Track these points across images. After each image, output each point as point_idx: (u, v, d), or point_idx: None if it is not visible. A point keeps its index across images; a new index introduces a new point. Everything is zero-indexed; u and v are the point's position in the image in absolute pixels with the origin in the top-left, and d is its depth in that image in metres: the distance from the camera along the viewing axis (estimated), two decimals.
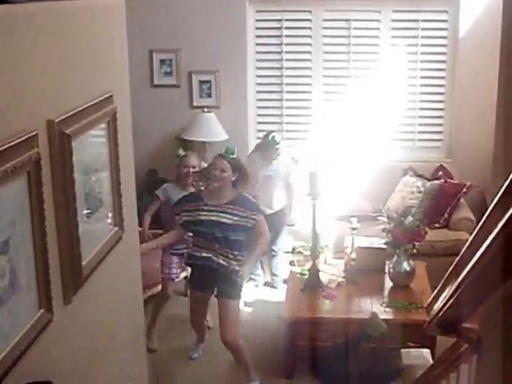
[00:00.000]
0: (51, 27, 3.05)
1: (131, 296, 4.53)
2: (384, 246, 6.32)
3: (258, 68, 8.67)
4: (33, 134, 2.73)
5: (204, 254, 5.66)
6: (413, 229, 6.11)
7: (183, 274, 6.76)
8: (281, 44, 8.54)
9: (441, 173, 8.12)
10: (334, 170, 7.84)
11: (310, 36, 8.50)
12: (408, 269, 6.19)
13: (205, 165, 7.49)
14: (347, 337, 5.55)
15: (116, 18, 4.13)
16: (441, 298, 2.27)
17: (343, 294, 6.23)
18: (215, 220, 5.64)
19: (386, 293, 6.23)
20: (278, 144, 7.31)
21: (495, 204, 1.57)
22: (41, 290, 2.89)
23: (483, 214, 6.07)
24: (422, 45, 8.34)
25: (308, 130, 8.71)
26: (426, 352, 4.28)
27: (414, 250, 6.16)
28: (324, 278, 6.39)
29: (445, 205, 7.71)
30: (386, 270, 6.36)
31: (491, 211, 1.61)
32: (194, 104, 8.59)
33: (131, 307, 4.54)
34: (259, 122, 8.84)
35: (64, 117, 3.07)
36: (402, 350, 4.35)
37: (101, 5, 3.84)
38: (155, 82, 8.63)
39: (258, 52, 8.63)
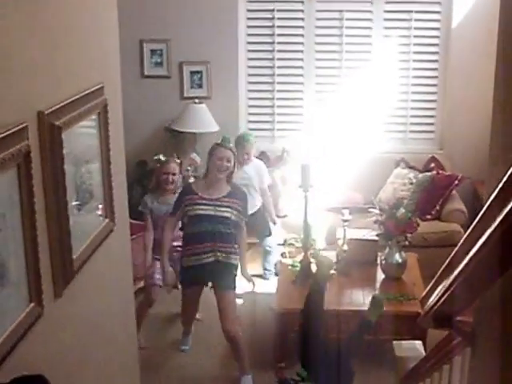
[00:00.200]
0: (41, 18, 3.02)
1: (122, 288, 4.51)
2: (376, 238, 6.32)
3: (250, 59, 8.64)
4: (23, 126, 2.71)
5: (203, 261, 5.66)
6: (405, 220, 6.11)
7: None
8: (273, 35, 8.51)
9: (433, 164, 8.12)
10: (325, 162, 7.83)
11: (302, 27, 8.47)
12: (400, 260, 6.18)
13: (197, 158, 7.50)
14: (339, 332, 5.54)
15: (107, 8, 4.10)
16: (435, 292, 2.25)
17: (335, 286, 6.21)
18: (214, 215, 5.61)
19: (377, 284, 6.22)
20: (245, 141, 7.25)
21: (493, 198, 1.55)
22: (31, 284, 2.87)
23: (475, 206, 6.11)
24: (415, 36, 8.32)
25: (300, 121, 8.69)
26: (419, 344, 4.27)
27: (406, 242, 6.15)
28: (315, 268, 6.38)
29: (437, 196, 7.71)
30: (378, 262, 6.35)
31: (489, 205, 1.59)
32: (185, 95, 8.55)
33: (122, 300, 4.52)
34: (250, 114, 8.81)
35: (54, 108, 3.04)
36: (394, 342, 4.33)
37: None
38: (145, 73, 8.58)
39: (249, 43, 8.59)
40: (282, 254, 6.84)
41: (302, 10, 8.44)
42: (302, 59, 8.55)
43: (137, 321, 6.17)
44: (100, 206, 3.90)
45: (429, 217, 7.58)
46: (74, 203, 3.42)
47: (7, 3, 2.68)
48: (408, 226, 6.12)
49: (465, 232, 6.19)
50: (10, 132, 2.60)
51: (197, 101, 8.24)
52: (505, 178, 1.47)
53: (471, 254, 1.72)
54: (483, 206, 1.68)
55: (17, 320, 2.74)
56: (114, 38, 4.22)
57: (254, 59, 8.65)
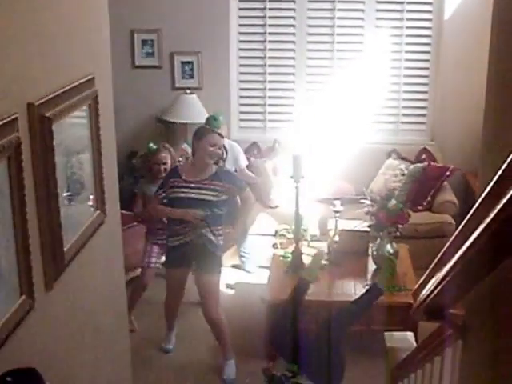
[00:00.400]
0: (31, 8, 3.00)
1: (114, 280, 4.51)
2: (367, 229, 6.32)
3: (241, 49, 8.61)
4: (13, 117, 2.69)
5: (185, 240, 5.66)
6: (396, 212, 6.11)
7: (163, 259, 6.71)
8: (264, 25, 8.48)
9: (424, 156, 8.13)
10: (317, 153, 7.82)
11: (293, 17, 8.43)
12: (391, 251, 6.18)
13: (189, 149, 7.46)
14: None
15: None
16: (428, 285, 2.26)
17: (326, 277, 6.22)
18: (193, 197, 5.59)
19: (369, 275, 6.23)
20: (216, 121, 7.13)
21: (487, 192, 1.55)
22: (22, 276, 2.86)
23: (466, 197, 6.10)
24: (407, 27, 8.30)
25: (291, 112, 8.68)
26: (410, 335, 4.28)
27: (397, 233, 6.16)
28: (307, 260, 6.38)
29: (428, 188, 7.72)
30: (369, 253, 6.36)
31: (483, 199, 1.59)
32: (176, 85, 8.52)
33: (114, 291, 4.52)
34: (242, 104, 8.79)
35: (44, 100, 3.03)
36: (386, 333, 4.34)
37: None
38: (136, 63, 8.54)
39: (241, 33, 8.56)
40: (274, 245, 6.83)
41: (294, 1, 8.40)
42: (293, 50, 8.53)
43: (130, 304, 6.22)
44: (91, 197, 3.89)
45: (420, 208, 7.59)
46: (65, 195, 3.41)
47: None
48: (399, 217, 6.12)
49: (456, 223, 6.25)
50: (0, 124, 2.59)
51: (188, 91, 8.22)
52: (499, 172, 1.47)
53: (464, 247, 1.72)
54: (475, 198, 1.68)
55: (8, 313, 2.73)
56: (105, 28, 4.20)
57: (246, 50, 8.62)
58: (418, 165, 7.90)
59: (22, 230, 2.82)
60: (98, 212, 3.97)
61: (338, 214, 6.40)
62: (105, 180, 4.01)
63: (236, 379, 5.90)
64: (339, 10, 8.33)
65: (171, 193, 5.65)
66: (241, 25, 8.53)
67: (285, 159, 6.87)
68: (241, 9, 8.51)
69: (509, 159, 1.43)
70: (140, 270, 6.61)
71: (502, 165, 1.45)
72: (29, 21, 2.96)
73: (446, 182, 7.85)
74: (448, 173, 7.76)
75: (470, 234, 1.65)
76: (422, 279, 2.39)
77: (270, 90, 8.68)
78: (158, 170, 6.36)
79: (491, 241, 1.55)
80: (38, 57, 3.06)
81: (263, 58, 8.58)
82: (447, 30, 8.15)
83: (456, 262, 1.84)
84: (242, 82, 8.72)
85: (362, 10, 8.33)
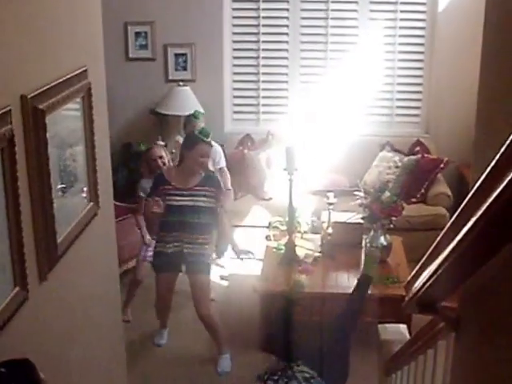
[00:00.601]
0: (23, 0, 2.99)
1: (107, 272, 4.51)
2: (361, 221, 6.33)
3: (235, 41, 8.60)
4: (6, 110, 2.69)
5: (176, 250, 5.69)
6: (390, 204, 6.12)
7: None
8: (258, 17, 8.47)
9: (418, 148, 8.14)
10: (310, 145, 7.82)
11: (287, 9, 8.43)
12: (385, 243, 6.20)
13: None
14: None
15: None
16: (420, 278, 2.26)
17: (320, 269, 6.24)
18: (189, 205, 5.60)
19: (362, 267, 6.23)
20: (196, 118, 7.04)
21: (479, 184, 1.55)
22: (16, 268, 2.86)
23: (460, 190, 6.11)
24: (401, 19, 8.30)
25: (285, 104, 8.68)
26: (403, 327, 4.29)
27: (391, 225, 6.17)
28: (300, 252, 6.39)
29: (422, 180, 7.73)
30: (363, 245, 6.37)
31: (475, 190, 1.59)
32: (170, 77, 8.51)
33: (108, 283, 4.52)
34: (235, 96, 8.79)
35: (37, 92, 3.02)
36: (379, 325, 4.35)
37: None
38: (130, 55, 8.52)
39: (234, 25, 8.55)
40: (267, 237, 6.84)
41: None
42: (287, 42, 8.52)
43: (127, 297, 6.22)
44: (84, 190, 3.88)
45: (414, 200, 7.61)
46: (59, 187, 3.41)
47: None
48: (393, 209, 6.13)
49: (450, 216, 6.24)
50: None
51: (181, 83, 8.22)
52: (492, 163, 1.47)
53: (457, 239, 1.72)
54: (469, 191, 1.68)
55: (2, 304, 2.73)
56: (98, 20, 4.19)
57: (239, 42, 8.61)
58: (412, 157, 7.91)
59: (16, 222, 2.82)
60: (92, 204, 3.96)
61: (331, 206, 6.41)
62: (98, 172, 4.00)
63: (230, 372, 5.91)
64: (333, 2, 8.33)
65: (164, 200, 5.62)
66: (234, 17, 8.52)
67: (278, 151, 6.87)
68: (234, 1, 8.50)
69: (502, 150, 1.43)
70: (135, 261, 6.62)
71: (494, 156, 1.45)
72: (21, 13, 2.95)
73: (439, 175, 7.87)
74: (442, 165, 7.78)
75: (463, 226, 1.65)
76: (415, 271, 2.39)
77: (264, 82, 8.67)
78: (157, 165, 6.34)
79: (484, 233, 1.55)
80: (31, 49, 3.05)
81: (257, 50, 8.58)
82: (441, 22, 8.16)
83: (449, 254, 1.84)
84: (235, 74, 8.71)
85: (356, 2, 8.33)
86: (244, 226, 7.69)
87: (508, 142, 1.41)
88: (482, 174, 1.55)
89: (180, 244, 5.66)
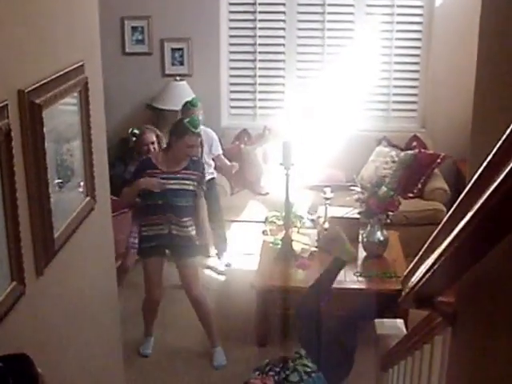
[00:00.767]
0: None
1: (104, 266, 4.51)
2: (357, 216, 6.33)
3: (232, 36, 8.59)
4: (3, 104, 2.68)
5: (161, 232, 5.69)
6: (386, 199, 6.12)
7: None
8: (254, 12, 8.46)
9: (415, 143, 8.14)
10: (307, 140, 7.82)
11: (284, 4, 8.42)
12: (381, 238, 6.20)
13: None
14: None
15: None
16: (417, 273, 2.26)
17: (316, 264, 6.23)
18: (176, 188, 5.63)
19: (359, 262, 6.24)
20: (193, 106, 7.04)
21: (476, 178, 1.55)
22: (12, 263, 2.86)
23: (457, 185, 6.10)
24: (398, 14, 8.29)
25: (281, 99, 8.67)
26: (400, 322, 4.29)
27: (388, 220, 6.17)
28: (297, 247, 6.40)
29: (419, 175, 7.74)
30: (360, 240, 6.37)
31: (472, 185, 1.59)
32: (166, 72, 8.50)
33: (104, 277, 4.52)
34: (232, 91, 8.78)
35: (34, 87, 3.02)
36: (376, 320, 4.35)
37: None
38: (126, 50, 8.52)
39: (231, 20, 8.54)
40: (264, 232, 6.84)
41: None
42: (283, 37, 8.51)
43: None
44: (81, 184, 3.88)
45: (411, 195, 7.62)
46: (55, 181, 3.40)
47: None
48: (390, 204, 6.14)
49: (447, 211, 6.22)
50: None
51: (178, 78, 8.21)
52: (488, 158, 1.47)
53: (453, 234, 1.73)
54: (466, 185, 1.68)
55: None
56: (94, 15, 4.18)
57: (236, 36, 8.60)
58: (409, 152, 7.91)
59: (13, 216, 2.82)
60: (89, 198, 3.96)
61: (328, 201, 6.41)
62: (95, 167, 4.00)
63: (226, 366, 5.91)
64: None
65: None
66: (231, 11, 8.51)
67: (275, 146, 6.87)
68: None
69: (498, 144, 1.43)
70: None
71: (491, 150, 1.45)
72: (19, 8, 2.95)
73: (436, 170, 7.88)
74: (439, 160, 7.78)
75: (460, 221, 1.66)
76: (411, 266, 2.39)
77: (261, 76, 8.67)
78: (148, 150, 6.35)
79: (481, 227, 1.56)
80: (28, 44, 3.05)
81: (253, 44, 8.57)
82: (438, 18, 8.15)
83: (445, 249, 1.85)
84: (232, 68, 8.70)
85: None
86: (240, 221, 7.70)
87: (505, 136, 1.41)
88: (478, 169, 1.55)
89: (167, 226, 5.67)
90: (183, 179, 5.65)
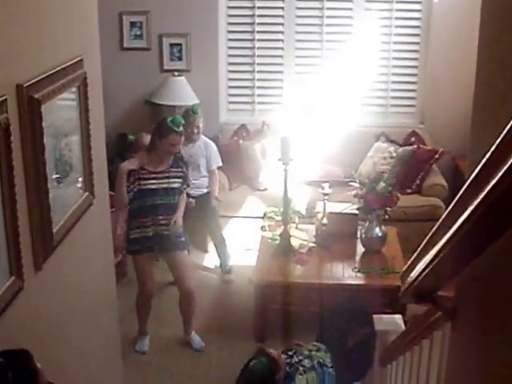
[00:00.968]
0: None
1: (102, 261, 4.50)
2: (356, 212, 6.33)
3: (230, 32, 8.58)
4: (1, 99, 2.68)
5: (149, 234, 5.75)
6: (385, 194, 6.12)
7: None
8: (253, 7, 8.45)
9: (413, 139, 8.14)
10: (306, 136, 7.82)
11: (282, 0, 8.41)
12: (380, 234, 6.20)
13: None
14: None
15: None
16: (417, 267, 2.26)
17: (314, 259, 6.24)
18: (163, 187, 5.71)
19: (357, 258, 6.25)
20: (194, 113, 7.03)
21: (477, 173, 1.55)
22: (11, 257, 2.86)
23: (455, 181, 6.11)
24: (397, 10, 8.28)
25: (280, 94, 8.66)
26: (398, 318, 4.29)
27: (386, 216, 6.17)
28: (295, 243, 6.40)
29: (417, 171, 7.74)
30: (358, 236, 6.37)
31: (472, 180, 1.59)
32: (165, 67, 8.48)
33: (103, 272, 4.52)
34: (230, 87, 8.77)
35: (33, 81, 3.01)
36: (375, 316, 4.35)
37: None
38: (125, 45, 8.49)
39: (229, 15, 8.53)
40: (262, 227, 6.84)
41: None
42: (282, 32, 8.50)
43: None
44: (80, 179, 3.88)
45: (409, 191, 7.62)
46: (54, 176, 3.40)
47: None
48: (388, 199, 6.14)
49: (445, 206, 6.25)
50: None
51: (176, 73, 8.20)
52: (489, 152, 1.47)
53: (453, 228, 1.73)
54: (465, 181, 1.68)
55: None
56: (93, 10, 4.17)
57: (235, 32, 8.59)
58: (407, 148, 7.91)
59: (11, 211, 2.82)
60: (87, 194, 3.96)
61: (326, 197, 6.41)
62: (93, 162, 4.00)
63: (223, 361, 5.92)
64: None
65: (139, 185, 5.68)
66: (229, 7, 8.50)
67: (273, 142, 6.86)
68: None
69: (499, 139, 1.43)
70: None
71: (492, 145, 1.45)
72: (17, 3, 2.95)
73: (434, 165, 7.88)
74: (437, 156, 7.78)
75: (460, 215, 1.65)
76: (411, 261, 2.39)
77: (259, 72, 8.65)
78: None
79: (481, 222, 1.56)
80: (27, 38, 3.04)
81: (252, 40, 8.56)
82: (437, 13, 8.14)
83: (445, 244, 1.84)
84: (230, 64, 8.69)
85: None
86: (239, 217, 7.70)
87: (505, 130, 1.41)
88: (478, 164, 1.55)
89: (154, 228, 5.74)
90: (170, 177, 5.75)
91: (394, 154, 7.84)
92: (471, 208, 1.55)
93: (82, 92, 3.78)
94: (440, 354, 2.69)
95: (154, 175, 5.67)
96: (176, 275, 6.00)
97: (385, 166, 7.76)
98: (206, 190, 7.20)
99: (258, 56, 8.59)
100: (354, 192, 6.29)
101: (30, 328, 3.11)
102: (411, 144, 8.01)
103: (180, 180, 5.80)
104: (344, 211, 6.44)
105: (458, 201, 1.75)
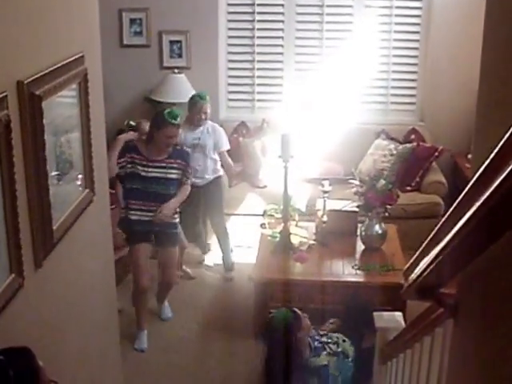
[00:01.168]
0: None
1: (102, 258, 4.50)
2: (356, 209, 6.33)
3: (230, 29, 8.57)
4: (2, 95, 2.67)
5: (143, 218, 5.80)
6: (385, 192, 6.12)
7: None
8: (253, 4, 8.44)
9: (413, 136, 8.14)
10: (306, 133, 7.81)
11: None
12: (380, 231, 6.20)
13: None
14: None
15: None
16: (420, 265, 2.26)
17: (314, 257, 6.24)
18: (159, 176, 5.76)
19: (357, 255, 6.25)
20: (202, 99, 6.92)
21: (481, 172, 1.54)
22: (11, 255, 2.85)
23: (455, 178, 6.11)
24: (397, 7, 8.27)
25: (280, 92, 8.66)
26: (399, 315, 4.29)
27: (386, 214, 6.16)
28: (295, 240, 6.39)
29: (417, 168, 7.74)
30: (358, 233, 6.37)
31: (477, 178, 1.58)
32: (165, 64, 8.48)
33: (103, 270, 4.51)
34: (230, 84, 8.77)
35: (34, 78, 3.00)
36: (375, 313, 4.35)
37: None
38: (124, 42, 8.48)
39: (229, 12, 8.52)
40: (262, 225, 6.84)
41: None
42: (282, 29, 8.49)
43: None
44: (80, 177, 3.87)
45: (409, 188, 7.61)
46: (54, 173, 3.39)
47: None
48: (388, 197, 6.14)
49: (445, 204, 6.24)
50: None
51: (176, 71, 8.19)
52: (495, 151, 1.46)
53: (458, 226, 1.72)
54: (464, 179, 1.68)
55: None
56: (94, 6, 4.17)
57: (234, 29, 8.58)
58: (407, 145, 7.91)
59: (12, 208, 2.81)
60: (87, 191, 3.95)
61: (326, 194, 6.40)
62: (94, 159, 3.99)
63: (224, 360, 5.91)
64: None
65: (131, 167, 5.75)
66: (229, 4, 8.49)
67: (273, 139, 6.86)
68: None
69: (505, 137, 1.42)
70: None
71: (497, 143, 1.44)
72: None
73: (434, 163, 7.88)
74: (437, 153, 7.79)
75: (464, 213, 1.65)
76: (414, 258, 2.39)
77: (259, 69, 8.65)
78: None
79: (485, 220, 1.55)
80: (28, 35, 3.03)
81: (252, 37, 8.55)
82: (437, 10, 8.13)
83: (449, 241, 1.84)
84: (230, 61, 8.68)
85: None
86: (239, 214, 7.69)
87: (510, 132, 1.41)
88: (483, 163, 1.54)
89: (146, 213, 5.79)
90: (166, 168, 5.78)
91: (394, 152, 7.84)
92: (476, 205, 1.55)
93: (82, 89, 3.77)
94: (441, 351, 2.69)
95: (150, 163, 5.74)
96: (162, 268, 6.10)
97: (385, 164, 7.76)
98: (212, 177, 7.05)
99: (257, 53, 8.58)
100: (354, 189, 6.28)
101: (29, 325, 3.11)
102: (411, 141, 8.01)
103: (177, 171, 5.84)
104: (344, 209, 6.44)
105: (462, 198, 1.75)
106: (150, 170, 5.73)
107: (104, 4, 5.04)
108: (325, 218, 6.38)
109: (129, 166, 5.75)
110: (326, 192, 6.39)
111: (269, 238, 6.54)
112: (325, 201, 6.41)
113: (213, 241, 7.49)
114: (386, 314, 4.36)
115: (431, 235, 2.11)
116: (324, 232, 6.38)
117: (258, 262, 6.23)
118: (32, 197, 3.06)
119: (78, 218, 3.76)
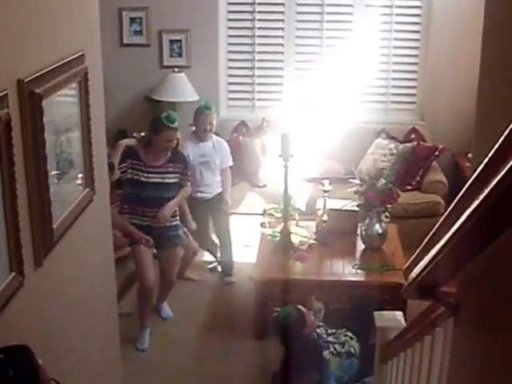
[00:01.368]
0: None
1: (103, 258, 4.49)
2: (356, 209, 6.33)
3: (230, 28, 8.57)
4: (2, 94, 2.67)
5: (143, 223, 5.87)
6: (385, 191, 6.12)
7: None
8: (253, 3, 8.44)
9: (413, 135, 8.14)
10: (306, 132, 7.81)
11: None
12: (380, 231, 6.20)
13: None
14: None
15: None
16: (420, 263, 2.25)
17: (315, 256, 6.24)
18: (158, 182, 5.80)
19: (357, 255, 6.25)
20: (208, 109, 6.84)
21: (481, 170, 1.54)
22: (11, 253, 2.85)
23: (455, 177, 6.11)
24: (397, 6, 8.27)
25: (280, 91, 8.65)
26: (399, 314, 4.28)
27: (387, 213, 6.16)
28: (295, 239, 6.39)
29: (417, 167, 7.74)
30: (358, 233, 6.37)
31: (477, 176, 1.58)
32: (165, 64, 8.48)
33: (103, 269, 4.51)
34: (230, 83, 8.76)
35: (34, 76, 3.00)
36: (375, 312, 4.35)
37: None
38: (124, 41, 8.48)
39: (229, 11, 8.52)
40: (262, 224, 6.84)
41: None
42: (282, 28, 8.49)
43: (124, 288, 6.18)
44: (80, 176, 3.86)
45: (409, 188, 7.61)
46: (54, 172, 3.39)
47: None
48: (388, 196, 6.14)
49: (445, 203, 6.24)
50: None
51: (176, 70, 8.19)
52: (494, 148, 1.46)
53: (458, 224, 1.72)
54: (465, 178, 1.68)
55: None
56: (94, 5, 4.16)
57: (235, 28, 8.58)
58: (407, 144, 7.91)
59: (12, 207, 2.81)
60: (87, 190, 3.95)
61: (326, 194, 6.41)
62: (94, 158, 3.98)
63: (224, 360, 5.91)
64: None
65: (131, 173, 5.78)
66: (230, 3, 8.49)
67: (273, 138, 6.86)
68: None
69: (504, 134, 1.42)
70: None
71: (497, 140, 1.44)
72: None
73: (434, 162, 7.88)
74: (437, 153, 7.79)
75: (464, 211, 1.65)
76: (414, 257, 2.39)
77: (259, 68, 8.65)
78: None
79: (485, 218, 1.55)
80: (28, 33, 3.03)
81: (252, 36, 8.55)
82: (437, 9, 8.13)
83: (449, 239, 1.84)
84: (230, 60, 8.68)
85: None
86: (239, 214, 7.68)
87: (509, 128, 1.40)
88: (483, 160, 1.54)
89: (148, 218, 5.86)
90: (166, 172, 5.83)
91: (395, 151, 7.84)
92: (476, 203, 1.54)
93: (82, 87, 3.77)
94: (442, 350, 2.68)
95: (149, 169, 5.78)
96: (162, 268, 6.16)
97: (385, 163, 7.76)
98: (219, 190, 7.04)
99: (257, 52, 8.58)
100: (354, 189, 6.28)
101: (29, 324, 3.10)
102: (411, 141, 8.01)
103: (176, 175, 5.89)
104: (344, 208, 6.44)
105: (462, 196, 1.74)
106: (149, 175, 5.78)
107: (104, 3, 5.03)
108: (325, 218, 6.39)
109: (129, 171, 5.78)
110: (326, 191, 6.40)
111: (269, 237, 6.54)
112: (325, 200, 6.41)
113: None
114: (386, 313, 4.35)
115: (431, 233, 2.11)
116: (324, 231, 6.38)
117: (258, 262, 6.23)
118: (32, 195, 3.06)
119: (78, 217, 3.76)
